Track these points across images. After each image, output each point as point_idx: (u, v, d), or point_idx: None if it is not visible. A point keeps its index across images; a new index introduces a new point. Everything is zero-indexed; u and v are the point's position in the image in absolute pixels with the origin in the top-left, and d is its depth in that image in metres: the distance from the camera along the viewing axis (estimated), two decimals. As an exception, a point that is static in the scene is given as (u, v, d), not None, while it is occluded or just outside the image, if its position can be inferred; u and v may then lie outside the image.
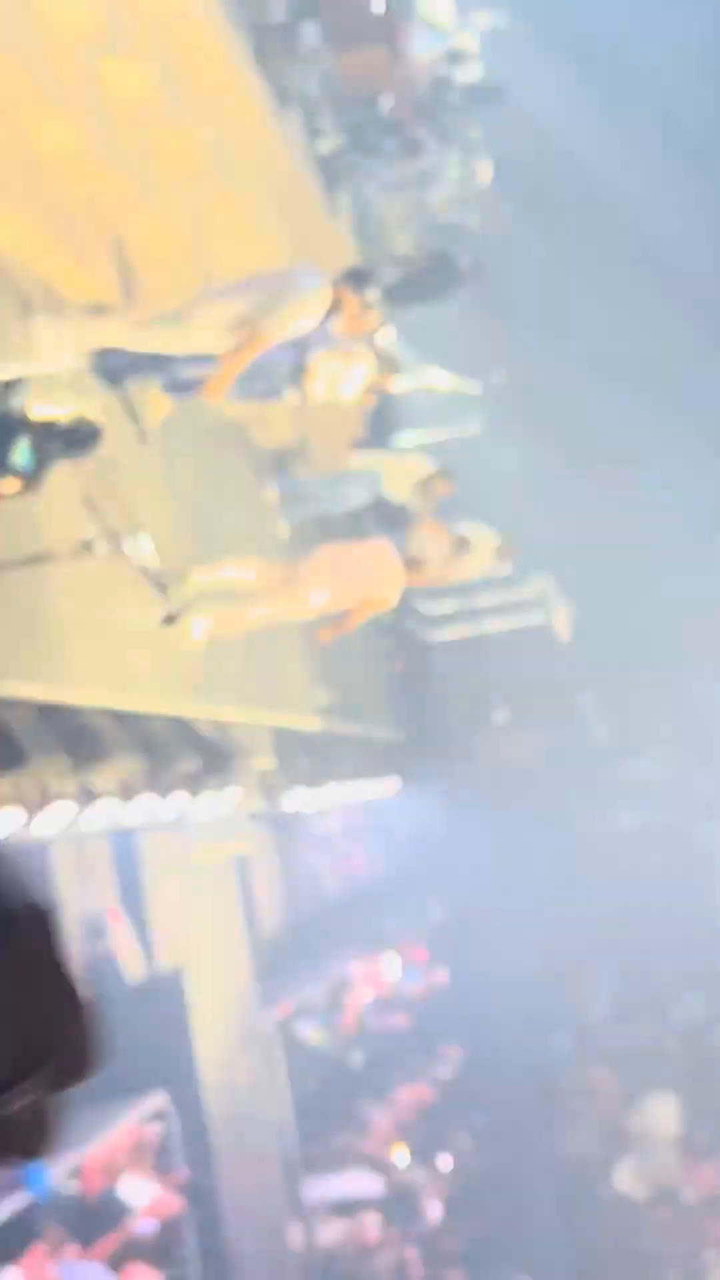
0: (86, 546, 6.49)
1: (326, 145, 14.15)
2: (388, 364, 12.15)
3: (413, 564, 10.99)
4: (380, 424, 16.67)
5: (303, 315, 8.84)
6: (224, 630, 10.42)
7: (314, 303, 8.80)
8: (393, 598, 10.98)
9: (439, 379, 16.58)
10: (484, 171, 16.20)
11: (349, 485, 14.17)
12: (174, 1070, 11.69)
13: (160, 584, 6.55)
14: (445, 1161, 17.93)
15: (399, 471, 14.20)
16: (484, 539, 15.11)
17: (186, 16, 10.39)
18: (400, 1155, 16.83)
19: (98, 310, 9.05)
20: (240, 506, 12.50)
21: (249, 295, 8.82)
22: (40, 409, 6.27)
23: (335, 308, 9.13)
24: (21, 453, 6.05)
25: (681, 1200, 20.73)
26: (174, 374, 9.73)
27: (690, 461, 22.00)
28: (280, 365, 9.98)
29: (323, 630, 11.40)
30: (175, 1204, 10.07)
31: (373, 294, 9.33)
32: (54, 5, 8.67)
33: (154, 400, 10.18)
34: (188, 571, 10.34)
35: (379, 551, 10.84)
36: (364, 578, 10.69)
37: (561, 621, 17.90)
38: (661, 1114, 21.09)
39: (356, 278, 9.24)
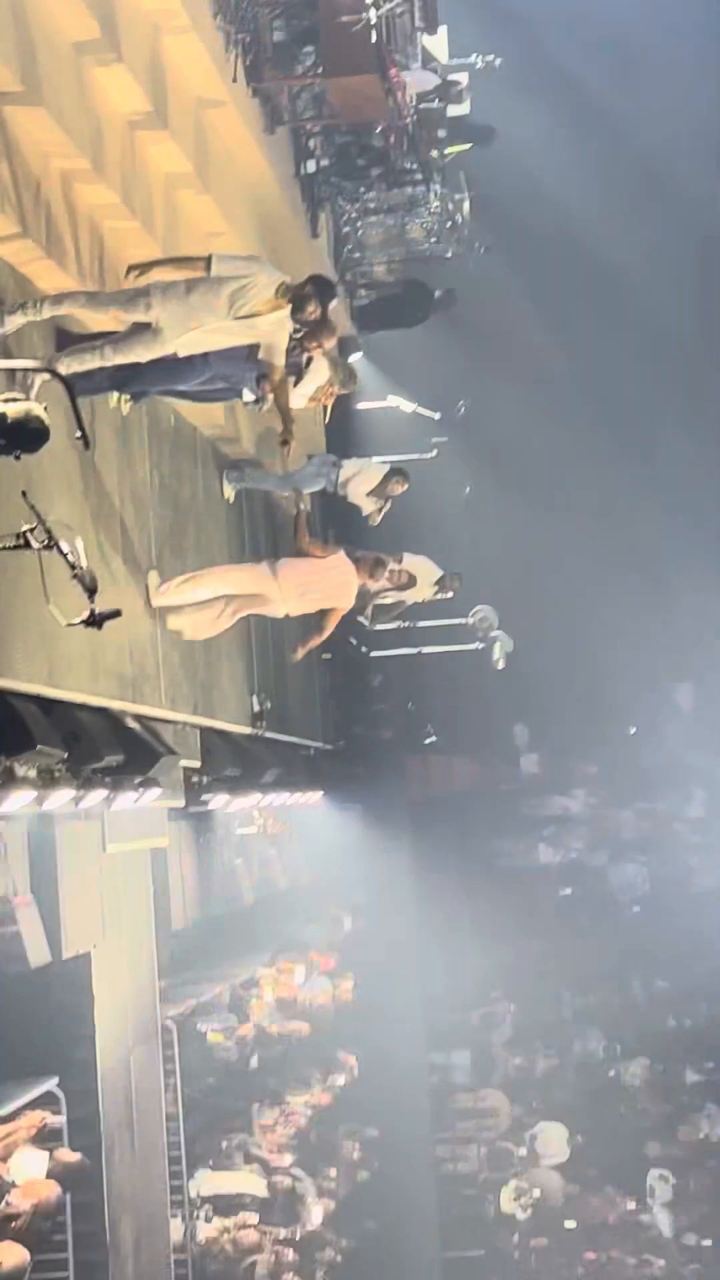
0: (21, 540, 6.67)
1: (312, 166, 14.39)
2: (346, 374, 12.41)
3: (366, 572, 11.87)
4: (338, 441, 16.90)
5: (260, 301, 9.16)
6: (196, 633, 11.42)
7: (271, 287, 9.11)
8: (350, 604, 11.84)
9: (401, 402, 16.85)
10: (464, 205, 16.47)
11: (304, 478, 14.44)
12: (70, 1057, 11.89)
13: (88, 585, 6.74)
14: (331, 1169, 18.14)
15: (354, 473, 14.47)
16: (427, 572, 15.43)
17: (180, 27, 10.59)
18: (287, 1159, 17.03)
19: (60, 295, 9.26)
20: (195, 507, 12.72)
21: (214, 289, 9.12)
22: (-11, 402, 6.44)
23: (298, 307, 9.37)
24: (-37, 447, 6.24)
25: (562, 1227, 21.02)
26: (134, 382, 9.97)
27: (640, 509, 22.36)
28: (239, 370, 10.19)
29: (298, 648, 12.42)
30: (53, 1187, 10.25)
31: (335, 304, 9.60)
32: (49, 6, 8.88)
33: (116, 402, 10.41)
34: (161, 578, 10.99)
35: (338, 564, 11.67)
36: (326, 590, 11.57)
37: (499, 651, 18.15)
38: (550, 1141, 21.37)
39: (321, 284, 9.50)
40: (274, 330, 9.30)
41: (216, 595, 11.34)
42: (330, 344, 10.31)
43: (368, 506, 14.55)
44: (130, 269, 9.09)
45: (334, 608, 11.69)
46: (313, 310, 9.32)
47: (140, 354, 9.16)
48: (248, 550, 14.26)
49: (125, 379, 9.82)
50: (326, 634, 12.01)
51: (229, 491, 13.85)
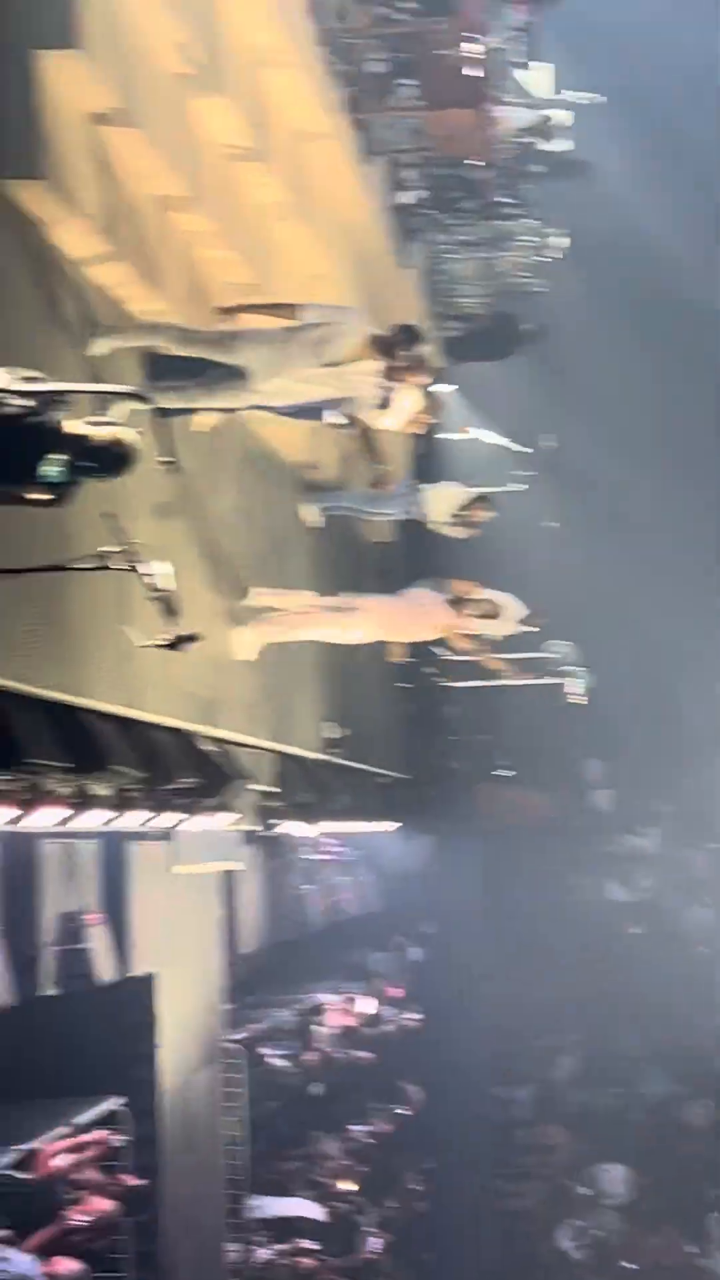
0: (103, 561, 6.73)
1: (407, 198, 14.45)
2: (433, 403, 12.41)
3: (452, 610, 12.12)
4: (423, 472, 16.91)
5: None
6: (269, 642, 11.49)
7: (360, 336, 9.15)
8: (430, 636, 12.47)
9: (487, 435, 16.84)
10: (558, 241, 16.48)
11: (387, 501, 14.40)
12: (133, 1076, 11.92)
13: (170, 609, 6.78)
14: (390, 1199, 18.10)
15: (438, 498, 14.41)
16: (508, 607, 15.36)
17: (282, 58, 10.68)
18: (347, 1187, 17.00)
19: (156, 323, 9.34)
20: (274, 530, 12.77)
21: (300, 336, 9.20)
22: (78, 425, 6.50)
23: (387, 355, 9.42)
24: (52, 465, 6.28)
25: (620, 1267, 20.87)
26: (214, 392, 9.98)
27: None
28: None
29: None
30: (112, 1205, 10.28)
31: (422, 351, 9.61)
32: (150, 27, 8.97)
33: (198, 418, 10.45)
34: (245, 592, 11.16)
35: (424, 606, 12.07)
36: (407, 628, 12.17)
37: (576, 687, 18.08)
38: (611, 1180, 21.23)
39: (410, 332, 9.53)
40: (360, 382, 9.34)
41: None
42: (422, 381, 10.33)
43: (449, 531, 14.50)
44: (220, 310, 9.15)
45: (415, 638, 12.28)
46: (401, 358, 9.37)
47: (228, 400, 9.21)
48: (331, 575, 14.27)
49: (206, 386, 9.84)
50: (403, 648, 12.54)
51: (311, 515, 13.88)
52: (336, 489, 14.37)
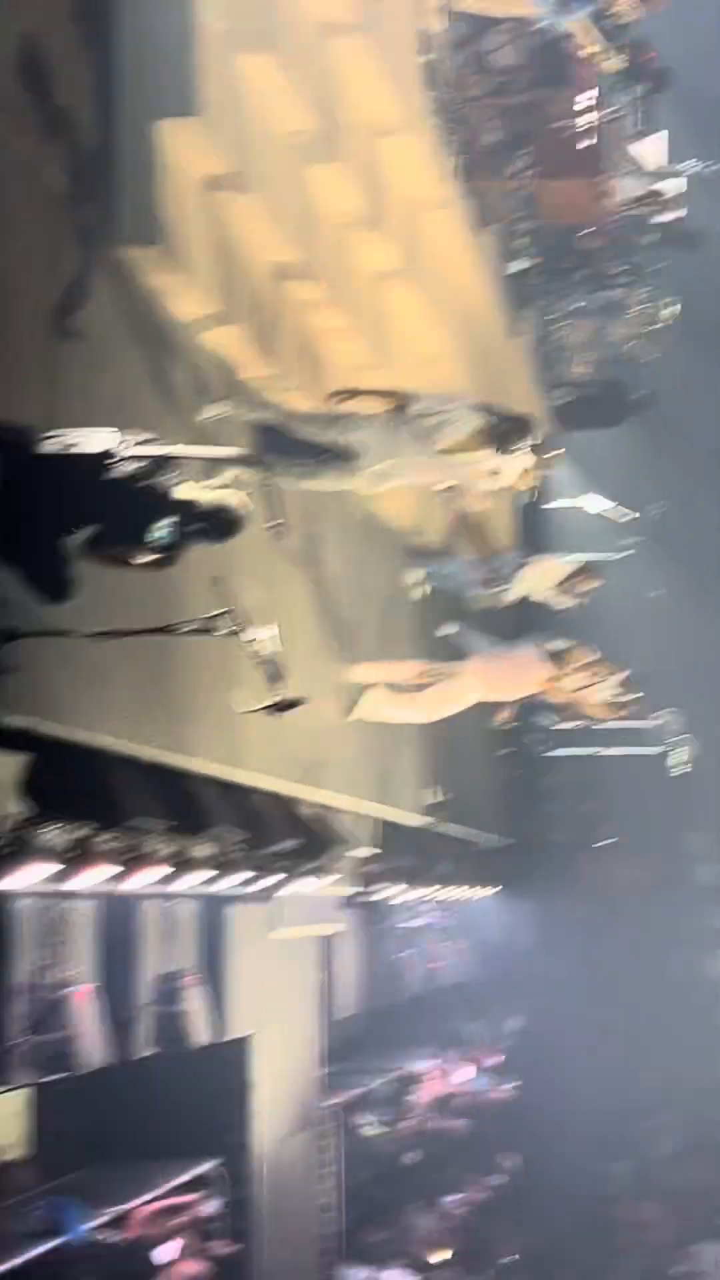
0: (209, 625, 6.76)
1: (518, 266, 14.49)
2: (544, 461, 12.41)
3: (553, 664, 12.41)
4: (530, 537, 16.89)
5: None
6: (378, 716, 11.82)
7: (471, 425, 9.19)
8: (531, 691, 12.63)
9: (595, 501, 16.80)
10: (669, 309, 16.46)
11: (489, 570, 14.37)
12: (229, 1140, 11.88)
13: (275, 673, 6.81)
14: (484, 1271, 17.87)
15: (539, 573, 14.36)
16: (610, 675, 15.27)
17: (398, 126, 10.76)
18: (441, 1259, 16.81)
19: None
20: (380, 599, 12.79)
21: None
22: (187, 488, 6.56)
23: (501, 446, 9.47)
24: (162, 529, 6.34)
25: None
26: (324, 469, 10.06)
27: None
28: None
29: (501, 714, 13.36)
30: (202, 1269, 10.23)
31: (531, 441, 9.62)
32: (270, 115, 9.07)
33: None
34: (354, 665, 11.51)
35: (526, 662, 12.38)
36: (511, 685, 12.42)
37: (681, 757, 17.97)
38: (708, 1260, 20.85)
39: (522, 424, 9.58)
40: (469, 473, 9.37)
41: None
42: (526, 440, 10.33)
43: (555, 602, 14.43)
44: (333, 394, 9.20)
45: (518, 695, 12.62)
46: (516, 448, 9.41)
47: (331, 484, 9.26)
48: (433, 643, 14.25)
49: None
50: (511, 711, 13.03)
51: (414, 580, 13.90)
52: (442, 555, 14.38)
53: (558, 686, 12.77)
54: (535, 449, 11.88)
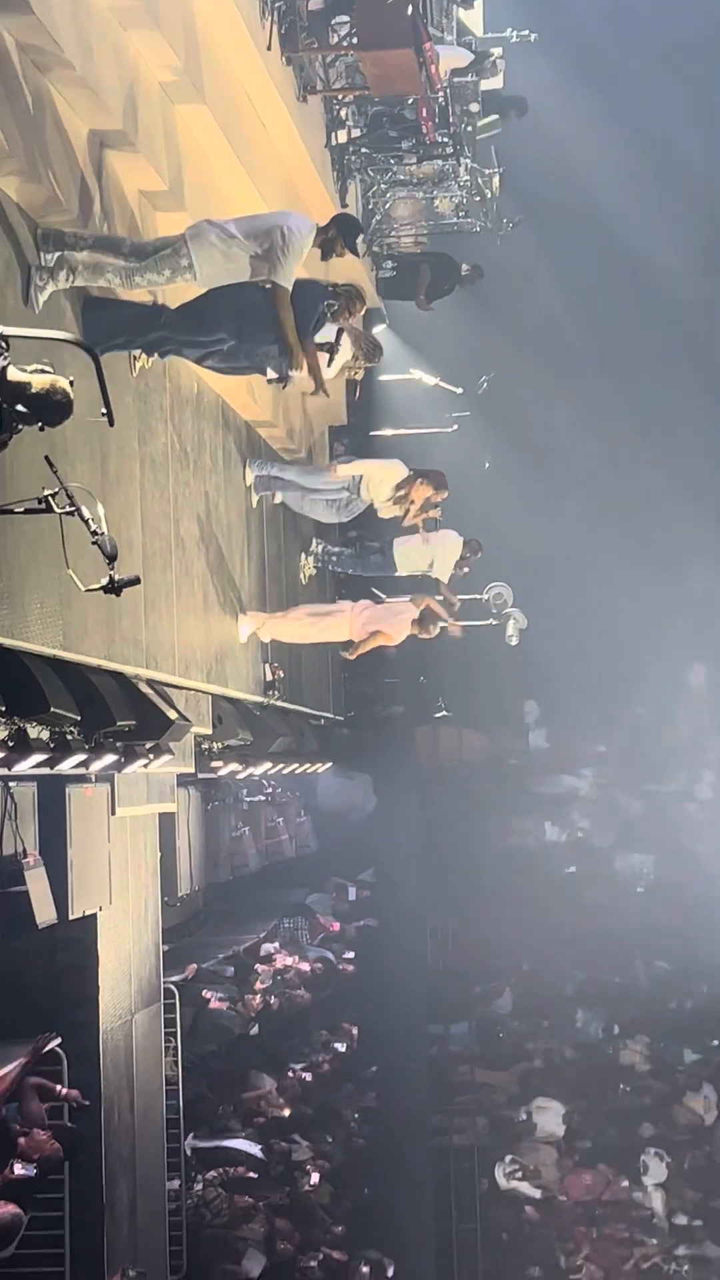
0: (43, 503, 6.70)
1: (343, 137, 14.37)
2: (371, 347, 12.47)
3: (422, 622, 14.20)
4: (360, 413, 16.91)
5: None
6: (264, 636, 13.74)
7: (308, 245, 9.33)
8: (399, 640, 14.37)
9: (423, 375, 16.83)
10: (494, 180, 16.44)
11: (324, 475, 14.52)
12: (72, 1019, 11.94)
13: (108, 552, 6.77)
14: (328, 1135, 18.25)
15: (378, 478, 14.46)
16: (452, 546, 15.48)
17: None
18: (284, 1125, 17.12)
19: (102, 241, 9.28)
20: (213, 482, 12.74)
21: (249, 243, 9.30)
22: (15, 372, 6.46)
23: (326, 252, 9.59)
24: (-8, 414, 6.26)
25: (555, 1203, 21.14)
26: (162, 348, 10.00)
27: (659, 489, 22.33)
28: (269, 347, 10.19)
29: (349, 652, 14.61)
30: (52, 1145, 10.30)
31: (360, 241, 9.74)
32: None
33: (142, 362, 10.41)
34: (255, 617, 13.40)
35: (405, 611, 14.24)
36: (388, 628, 14.11)
37: (513, 628, 18.18)
38: (546, 1117, 21.46)
39: (345, 223, 9.75)
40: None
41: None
42: (359, 313, 10.36)
43: (388, 511, 14.59)
44: None
45: (387, 642, 14.20)
46: (340, 251, 9.54)
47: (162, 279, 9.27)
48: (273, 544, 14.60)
49: (150, 342, 9.85)
50: (367, 649, 14.33)
51: (250, 476, 13.92)
52: (279, 461, 14.46)
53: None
54: (360, 338, 11.98)
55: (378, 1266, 18.29)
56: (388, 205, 16.28)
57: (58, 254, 8.83)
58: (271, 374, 10.35)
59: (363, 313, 10.51)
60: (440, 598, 15.05)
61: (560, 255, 21.68)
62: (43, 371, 6.54)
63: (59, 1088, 11.03)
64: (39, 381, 6.43)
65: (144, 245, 9.35)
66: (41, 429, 6.50)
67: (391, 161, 15.39)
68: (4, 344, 6.46)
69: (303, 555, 15.94)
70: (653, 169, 21.89)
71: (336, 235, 9.71)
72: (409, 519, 14.56)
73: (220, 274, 9.37)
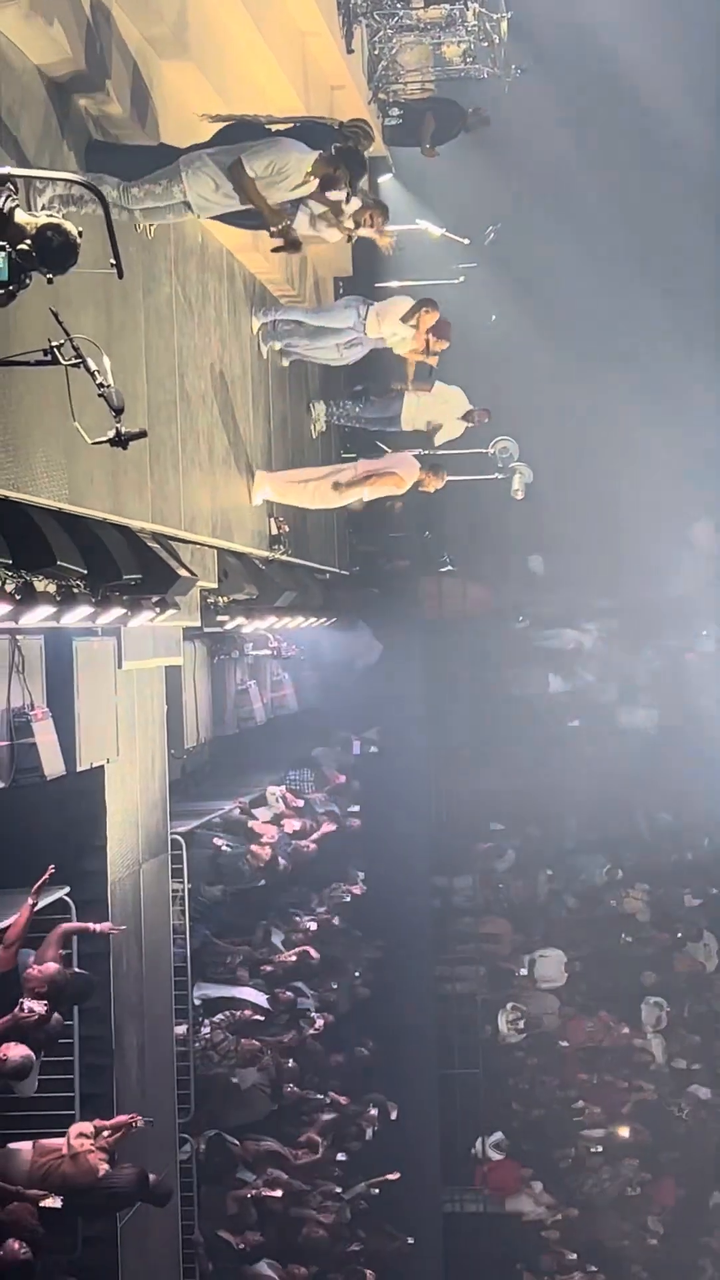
0: (49, 355, 6.66)
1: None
2: (377, 207, 12.33)
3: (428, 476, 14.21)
4: (365, 266, 16.75)
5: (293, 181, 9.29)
6: (276, 498, 13.89)
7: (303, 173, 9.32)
8: (402, 491, 14.47)
9: (429, 226, 16.65)
10: (502, 25, 16.14)
11: (333, 314, 14.36)
12: (81, 869, 12.08)
13: (115, 404, 6.74)
14: (333, 984, 18.51)
15: (386, 310, 14.29)
16: (457, 402, 15.42)
17: None
18: (290, 973, 17.34)
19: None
20: (218, 333, 12.65)
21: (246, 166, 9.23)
22: (22, 214, 6.39)
23: (326, 186, 9.48)
24: (-2, 264, 6.21)
25: (555, 1049, 21.52)
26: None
27: (668, 345, 22.12)
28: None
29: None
30: (59, 973, 10.48)
31: (361, 181, 9.62)
32: None
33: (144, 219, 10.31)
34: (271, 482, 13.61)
35: (407, 465, 14.14)
36: (390, 483, 14.05)
37: (518, 482, 18.17)
38: (548, 966, 21.77)
39: (350, 159, 9.58)
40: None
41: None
42: (367, 149, 10.27)
43: (402, 347, 14.39)
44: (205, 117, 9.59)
45: (397, 487, 14.16)
46: (341, 191, 9.49)
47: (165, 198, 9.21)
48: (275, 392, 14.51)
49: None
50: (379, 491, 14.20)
51: (256, 324, 13.83)
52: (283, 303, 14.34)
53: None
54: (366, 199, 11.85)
55: (383, 1109, 18.66)
56: (394, 51, 16.01)
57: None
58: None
59: (368, 149, 10.36)
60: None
61: (569, 102, 21.29)
62: (50, 216, 6.48)
63: (92, 925, 11.24)
64: (40, 220, 6.37)
65: (138, 180, 9.33)
66: (50, 281, 6.45)
67: (398, 5, 15.11)
68: (12, 185, 6.40)
69: (310, 406, 15.85)
70: (664, 11, 21.43)
71: (343, 171, 9.57)
72: (415, 349, 14.29)
73: (212, 201, 9.32)
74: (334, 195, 9.68)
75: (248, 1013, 15.64)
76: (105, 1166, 10.34)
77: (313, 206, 10.36)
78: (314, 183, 9.42)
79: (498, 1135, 20.98)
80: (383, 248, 12.42)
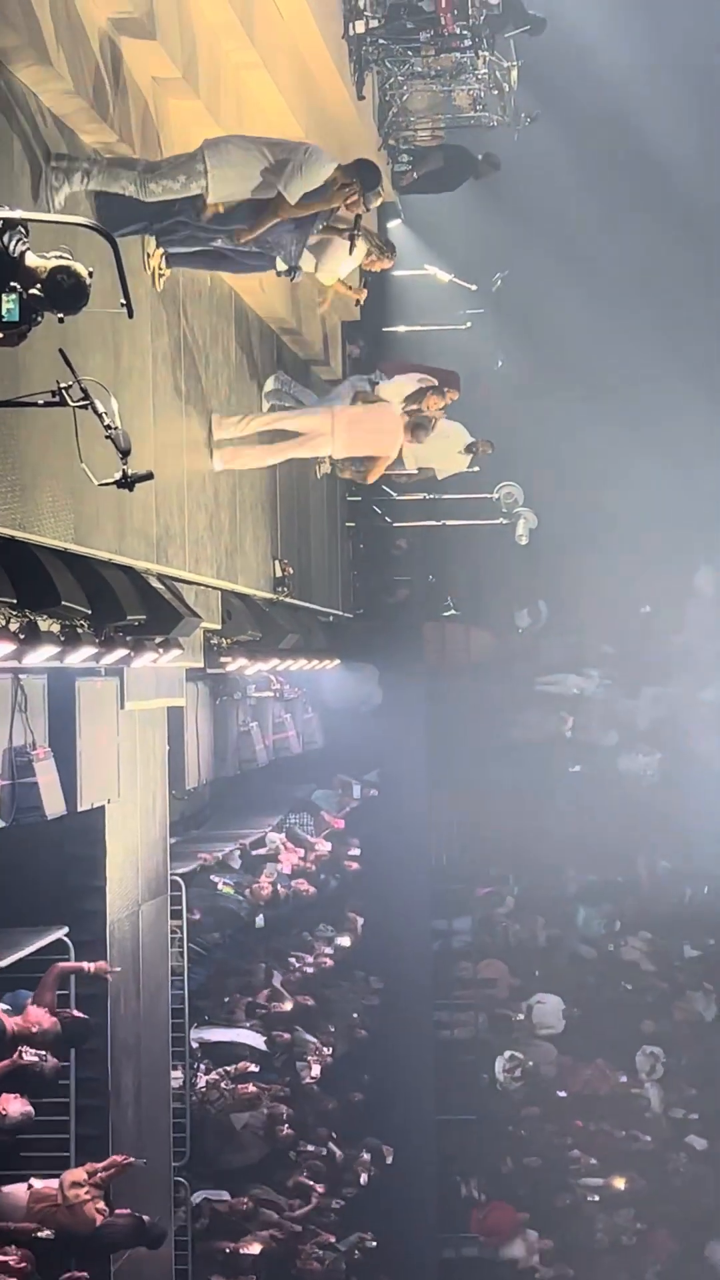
0: (57, 396, 6.67)
1: (361, 27, 14.20)
2: (385, 248, 12.37)
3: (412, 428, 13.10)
4: (374, 308, 16.78)
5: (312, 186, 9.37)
6: (242, 465, 12.40)
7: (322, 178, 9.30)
8: (393, 453, 12.99)
9: (437, 271, 16.71)
10: (512, 74, 16.23)
11: (338, 390, 14.43)
12: (80, 909, 12.05)
13: (122, 446, 6.75)
14: (331, 1027, 18.45)
15: (391, 393, 14.32)
16: (457, 437, 15.40)
17: None
18: (287, 1016, 17.29)
19: (116, 160, 9.26)
20: (228, 378, 12.69)
21: (266, 154, 9.32)
22: (33, 257, 6.41)
23: (339, 195, 9.51)
24: (10, 304, 6.21)
25: (554, 1097, 21.42)
26: (176, 234, 9.94)
27: (672, 392, 22.18)
28: (281, 239, 10.14)
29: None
30: (53, 1028, 10.44)
31: (376, 193, 9.64)
32: None
33: (155, 261, 10.35)
34: (220, 420, 11.93)
35: (387, 413, 13.00)
36: (375, 434, 12.72)
37: (523, 528, 18.20)
38: (546, 1012, 21.68)
39: (365, 173, 9.63)
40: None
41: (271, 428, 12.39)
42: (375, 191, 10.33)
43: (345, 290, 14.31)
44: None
45: (380, 455, 12.73)
46: (352, 199, 9.55)
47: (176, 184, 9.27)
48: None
49: (166, 228, 9.81)
50: (371, 478, 13.13)
51: (269, 385, 13.85)
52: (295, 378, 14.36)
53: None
54: (372, 239, 11.87)
55: (377, 1154, 18.56)
56: (404, 97, 16.09)
57: (71, 160, 8.83)
58: (281, 265, 10.30)
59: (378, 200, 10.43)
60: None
61: (578, 150, 21.40)
62: (61, 258, 6.50)
63: (86, 965, 11.20)
64: (57, 265, 6.39)
65: (158, 162, 9.39)
66: (61, 320, 6.46)
67: (409, 53, 15.20)
68: (22, 229, 6.41)
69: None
70: (672, 66, 21.56)
71: (356, 184, 9.69)
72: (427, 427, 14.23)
73: (232, 187, 9.39)
74: (348, 206, 9.76)
75: (244, 1065, 15.57)
76: (101, 1217, 10.28)
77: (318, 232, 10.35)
78: (334, 192, 9.56)
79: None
80: (354, 298, 12.63)
